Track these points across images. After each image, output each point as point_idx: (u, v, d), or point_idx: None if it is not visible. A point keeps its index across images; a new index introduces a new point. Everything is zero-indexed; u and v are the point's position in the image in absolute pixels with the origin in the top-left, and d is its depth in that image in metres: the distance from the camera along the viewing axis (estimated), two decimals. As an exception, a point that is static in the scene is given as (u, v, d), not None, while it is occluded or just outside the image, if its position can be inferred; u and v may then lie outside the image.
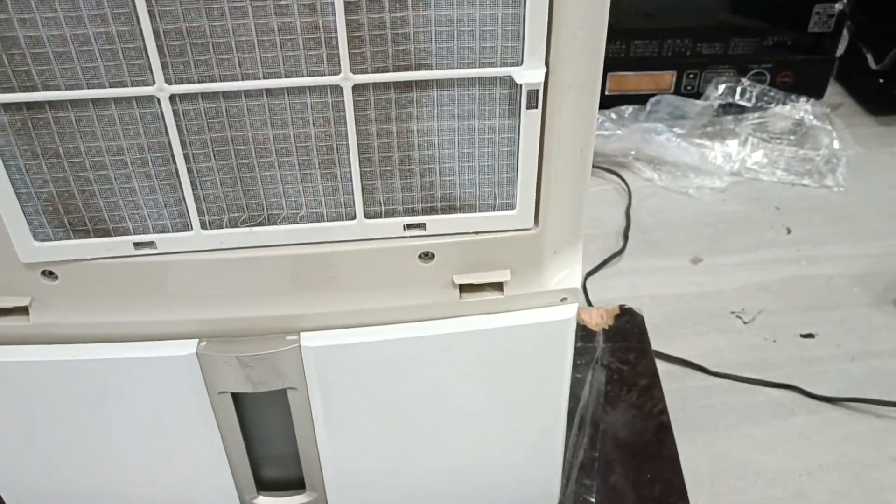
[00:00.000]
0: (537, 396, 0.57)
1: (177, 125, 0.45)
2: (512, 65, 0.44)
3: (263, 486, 0.63)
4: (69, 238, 0.49)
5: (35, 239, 0.48)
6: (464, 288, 0.53)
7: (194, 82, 0.44)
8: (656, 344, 0.96)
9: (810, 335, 1.03)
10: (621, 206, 1.27)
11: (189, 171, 0.47)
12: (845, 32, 1.39)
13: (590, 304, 1.06)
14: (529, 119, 0.46)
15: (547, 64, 0.44)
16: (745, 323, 1.05)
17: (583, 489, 0.73)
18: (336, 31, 0.42)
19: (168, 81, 0.43)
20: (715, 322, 1.05)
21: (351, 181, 0.48)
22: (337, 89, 0.45)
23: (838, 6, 1.33)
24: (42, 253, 0.49)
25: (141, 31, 0.42)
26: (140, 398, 0.54)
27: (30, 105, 0.43)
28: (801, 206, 1.27)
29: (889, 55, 1.39)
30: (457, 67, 0.44)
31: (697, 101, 1.38)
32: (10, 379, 0.53)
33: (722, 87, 1.38)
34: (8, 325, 0.52)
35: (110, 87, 0.43)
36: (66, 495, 0.61)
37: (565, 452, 0.67)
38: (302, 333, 0.53)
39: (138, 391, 0.54)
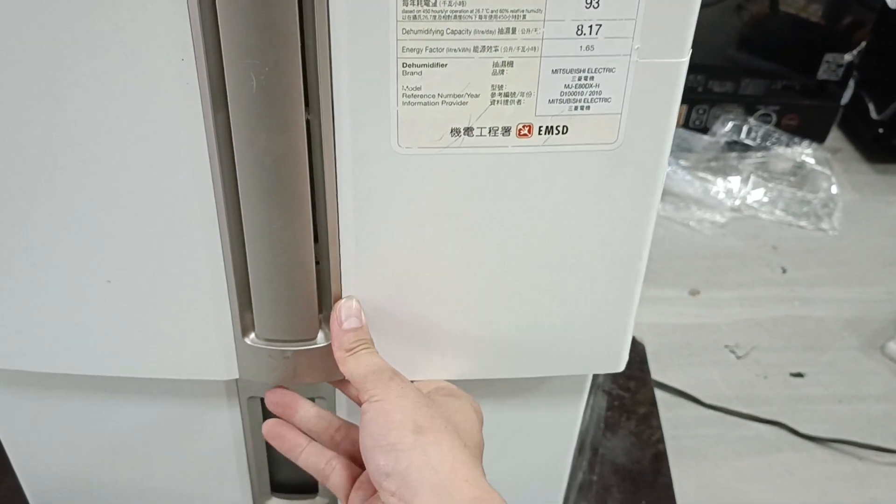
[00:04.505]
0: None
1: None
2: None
3: (277, 488, 0.65)
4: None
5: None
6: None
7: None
8: (653, 371, 0.99)
9: (800, 374, 1.07)
10: (625, 233, 1.31)
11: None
12: (851, 82, 1.44)
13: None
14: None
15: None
16: (738, 357, 1.09)
17: (579, 510, 0.76)
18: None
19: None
20: (709, 354, 1.09)
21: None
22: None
23: (847, 57, 1.38)
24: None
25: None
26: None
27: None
28: (797, 247, 1.31)
29: (890, 106, 1.44)
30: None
31: (705, 136, 1.43)
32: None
33: (729, 125, 1.43)
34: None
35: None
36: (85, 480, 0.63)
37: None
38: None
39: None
